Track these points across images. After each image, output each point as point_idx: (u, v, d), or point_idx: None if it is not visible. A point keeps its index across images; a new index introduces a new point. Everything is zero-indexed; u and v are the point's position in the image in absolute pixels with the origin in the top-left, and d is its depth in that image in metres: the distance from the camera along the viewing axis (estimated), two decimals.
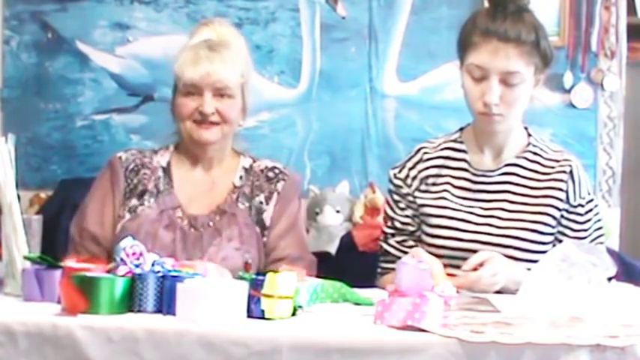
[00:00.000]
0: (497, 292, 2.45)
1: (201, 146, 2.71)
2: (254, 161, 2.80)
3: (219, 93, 2.67)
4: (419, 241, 2.68)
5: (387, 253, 2.71)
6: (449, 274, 2.40)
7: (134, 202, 2.70)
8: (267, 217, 2.73)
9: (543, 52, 2.57)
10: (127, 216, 2.68)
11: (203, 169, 2.76)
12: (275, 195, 2.75)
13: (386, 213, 2.76)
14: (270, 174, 2.77)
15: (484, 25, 2.55)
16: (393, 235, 2.72)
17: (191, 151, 2.75)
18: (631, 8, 3.83)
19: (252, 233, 2.70)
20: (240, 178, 2.76)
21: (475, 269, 2.41)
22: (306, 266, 2.63)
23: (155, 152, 2.80)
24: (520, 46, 2.53)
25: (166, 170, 2.75)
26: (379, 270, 2.74)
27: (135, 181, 2.73)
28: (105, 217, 2.70)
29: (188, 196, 2.71)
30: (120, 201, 2.71)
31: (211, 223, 2.68)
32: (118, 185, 2.72)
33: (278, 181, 2.76)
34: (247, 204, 2.73)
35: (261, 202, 2.74)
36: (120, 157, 2.76)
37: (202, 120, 2.67)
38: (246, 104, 2.75)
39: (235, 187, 2.74)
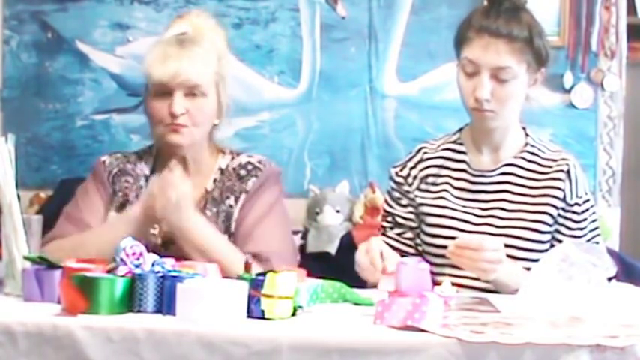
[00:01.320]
0: (497, 292, 2.45)
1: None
2: (232, 159, 2.70)
3: (190, 92, 2.58)
4: (417, 236, 2.69)
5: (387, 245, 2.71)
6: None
7: (114, 215, 2.64)
8: (233, 219, 2.64)
9: (537, 50, 2.58)
10: None
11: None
12: (243, 195, 2.65)
13: (385, 211, 2.76)
14: (242, 172, 2.67)
15: (478, 21, 2.58)
16: (392, 228, 2.72)
17: (165, 153, 2.66)
18: (631, 8, 3.83)
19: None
20: (214, 181, 2.67)
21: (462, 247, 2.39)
22: (282, 263, 2.46)
23: (140, 158, 2.73)
24: (512, 43, 2.55)
25: (148, 179, 2.66)
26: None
27: (117, 188, 2.67)
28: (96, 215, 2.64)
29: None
30: (105, 204, 2.66)
31: None
32: (104, 189, 2.67)
33: (249, 180, 2.65)
34: (215, 209, 2.64)
35: (230, 206, 2.65)
36: (104, 162, 2.71)
37: (172, 122, 2.57)
38: (222, 102, 2.65)
39: (207, 192, 2.66)
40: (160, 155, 2.71)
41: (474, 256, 2.36)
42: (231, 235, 2.62)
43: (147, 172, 2.70)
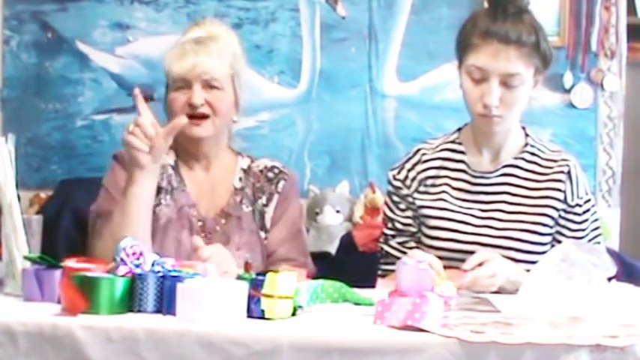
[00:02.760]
0: (497, 292, 2.45)
1: (194, 142, 2.68)
2: (252, 161, 2.78)
3: (208, 85, 2.65)
4: (420, 242, 2.68)
5: (388, 254, 2.71)
6: (447, 267, 2.41)
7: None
8: (268, 218, 2.72)
9: (543, 53, 2.57)
10: None
11: (202, 169, 2.74)
12: (276, 196, 2.74)
13: (385, 215, 2.76)
14: (270, 174, 2.76)
15: (484, 26, 2.54)
16: (393, 236, 2.71)
17: (187, 149, 2.72)
18: (631, 8, 3.83)
19: (257, 240, 2.69)
20: (240, 179, 2.74)
21: (474, 269, 2.41)
22: (308, 274, 2.59)
23: None
24: (521, 48, 2.52)
25: (175, 168, 2.72)
26: (380, 272, 2.73)
27: None
28: None
29: (195, 197, 2.69)
30: None
31: (218, 228, 2.66)
32: None
33: (278, 181, 2.74)
34: (251, 207, 2.71)
35: (264, 205, 2.73)
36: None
37: (193, 113, 2.63)
38: (239, 98, 2.72)
39: (236, 189, 2.72)
40: (179, 151, 2.74)
41: (472, 286, 2.37)
42: (267, 231, 2.71)
43: (171, 162, 2.73)
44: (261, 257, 2.67)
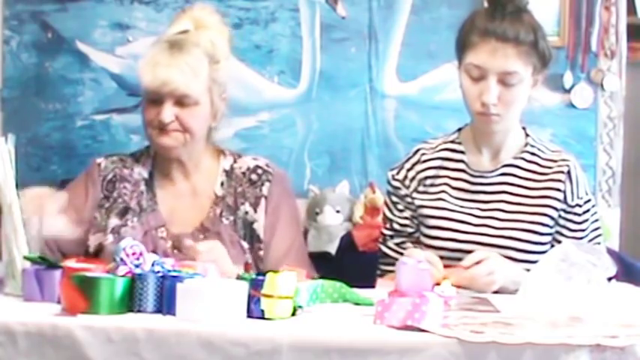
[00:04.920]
0: (497, 292, 2.45)
1: (164, 152, 2.61)
2: (235, 161, 2.69)
3: (180, 101, 2.56)
4: (418, 242, 2.68)
5: (386, 255, 2.71)
6: (446, 267, 2.41)
7: (116, 221, 2.61)
8: (259, 227, 2.64)
9: (542, 52, 2.57)
10: (110, 238, 2.59)
11: (182, 175, 2.66)
12: (262, 200, 2.65)
13: (384, 215, 2.76)
14: (253, 176, 2.67)
15: (483, 25, 2.55)
16: (391, 237, 2.72)
17: (162, 157, 2.66)
18: (631, 8, 3.83)
19: (239, 251, 2.61)
20: (222, 184, 2.66)
21: (471, 267, 2.41)
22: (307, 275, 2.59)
23: (137, 160, 2.70)
24: (519, 46, 2.53)
25: (149, 183, 2.65)
26: (378, 272, 2.73)
27: (114, 194, 2.65)
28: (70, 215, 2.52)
29: (171, 210, 2.61)
30: (91, 205, 2.62)
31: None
32: (94, 191, 2.64)
33: (262, 184, 2.65)
34: (232, 217, 2.63)
35: (246, 212, 2.64)
36: (99, 164, 2.69)
37: (162, 129, 2.57)
38: (217, 106, 2.63)
39: (217, 197, 2.64)
40: (158, 156, 2.70)
41: (469, 284, 2.37)
42: (260, 242, 2.63)
43: (145, 175, 2.67)
44: (246, 268, 2.54)
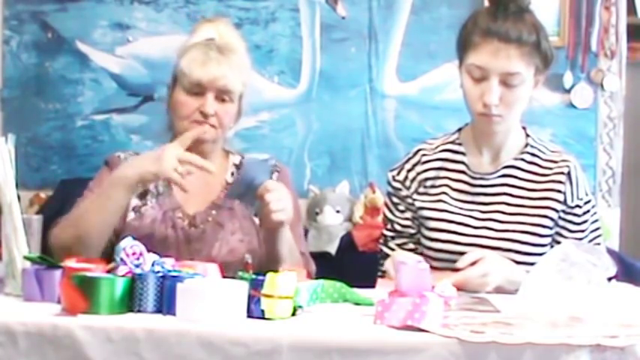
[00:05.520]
0: (497, 292, 2.45)
1: (194, 144, 2.67)
2: (242, 157, 2.80)
3: (222, 97, 2.68)
4: (418, 243, 2.68)
5: (387, 256, 2.71)
6: (446, 269, 2.41)
7: (136, 201, 2.69)
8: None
9: (544, 52, 2.56)
10: (132, 215, 2.68)
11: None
12: None
13: (385, 216, 2.76)
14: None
15: (485, 25, 2.53)
16: (392, 237, 2.71)
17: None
18: (631, 8, 3.83)
19: (252, 225, 2.70)
20: (232, 174, 2.76)
21: (465, 269, 2.41)
22: (306, 263, 2.65)
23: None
24: (521, 47, 2.51)
25: None
26: (379, 273, 2.73)
27: None
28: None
29: (184, 196, 2.69)
30: None
31: (210, 218, 2.69)
32: None
33: (272, 173, 2.73)
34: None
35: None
36: (119, 156, 2.76)
37: (202, 121, 2.67)
38: (241, 110, 2.76)
39: (228, 183, 2.74)
40: None
41: (463, 285, 2.37)
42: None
43: None
44: (257, 241, 2.67)
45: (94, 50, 3.76)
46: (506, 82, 2.52)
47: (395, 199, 2.71)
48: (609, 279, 2.14)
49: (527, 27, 2.53)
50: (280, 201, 2.50)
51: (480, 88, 2.54)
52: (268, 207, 2.49)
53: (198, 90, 2.67)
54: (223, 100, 2.68)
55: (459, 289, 2.32)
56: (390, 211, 2.73)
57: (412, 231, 2.69)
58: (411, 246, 2.68)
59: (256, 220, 2.71)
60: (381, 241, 2.75)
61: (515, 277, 2.41)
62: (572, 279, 2.07)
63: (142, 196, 2.71)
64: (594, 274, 2.08)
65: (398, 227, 2.70)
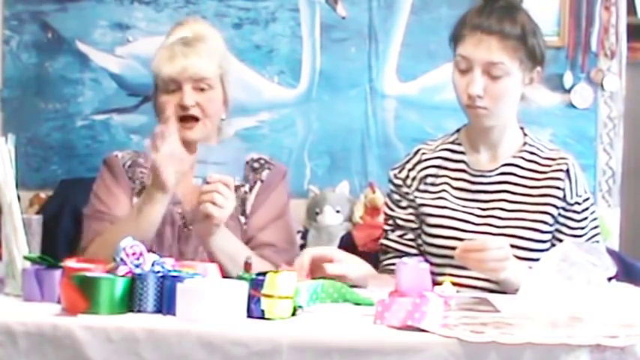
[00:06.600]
0: (499, 288, 2.46)
1: (185, 144, 2.68)
2: None
3: (199, 86, 2.69)
4: (419, 237, 2.69)
5: (388, 248, 2.72)
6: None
7: (136, 200, 2.71)
8: (249, 205, 2.75)
9: (531, 48, 2.60)
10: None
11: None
12: (258, 183, 2.77)
13: (386, 214, 2.77)
14: (256, 164, 2.80)
15: (472, 19, 2.61)
16: (393, 230, 2.73)
17: None
18: (631, 8, 3.83)
19: (236, 224, 2.70)
20: None
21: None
22: (290, 261, 2.61)
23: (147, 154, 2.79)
24: (504, 40, 2.56)
25: None
26: (380, 268, 2.73)
27: (134, 177, 2.77)
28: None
29: (183, 192, 2.71)
30: (128, 193, 2.74)
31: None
32: (124, 181, 2.75)
33: (263, 170, 2.77)
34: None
35: (245, 192, 2.75)
36: (116, 156, 2.80)
37: (184, 115, 2.67)
38: (227, 97, 2.77)
39: None
40: None
41: (481, 257, 2.36)
42: (246, 218, 2.74)
43: None
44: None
45: (94, 50, 3.76)
46: (489, 72, 2.56)
47: (396, 196, 2.73)
48: (609, 279, 2.14)
49: (513, 22, 2.59)
50: (221, 196, 2.48)
51: (466, 79, 2.59)
52: (203, 196, 2.47)
53: (174, 87, 2.68)
54: (202, 90, 2.69)
55: (471, 267, 2.32)
56: (391, 209, 2.74)
57: (414, 225, 2.70)
58: (411, 236, 2.70)
59: (242, 220, 2.73)
60: (383, 237, 2.76)
61: (522, 278, 2.41)
62: (572, 279, 2.07)
63: (141, 193, 2.70)
64: (594, 274, 2.08)
65: (400, 222, 2.72)
